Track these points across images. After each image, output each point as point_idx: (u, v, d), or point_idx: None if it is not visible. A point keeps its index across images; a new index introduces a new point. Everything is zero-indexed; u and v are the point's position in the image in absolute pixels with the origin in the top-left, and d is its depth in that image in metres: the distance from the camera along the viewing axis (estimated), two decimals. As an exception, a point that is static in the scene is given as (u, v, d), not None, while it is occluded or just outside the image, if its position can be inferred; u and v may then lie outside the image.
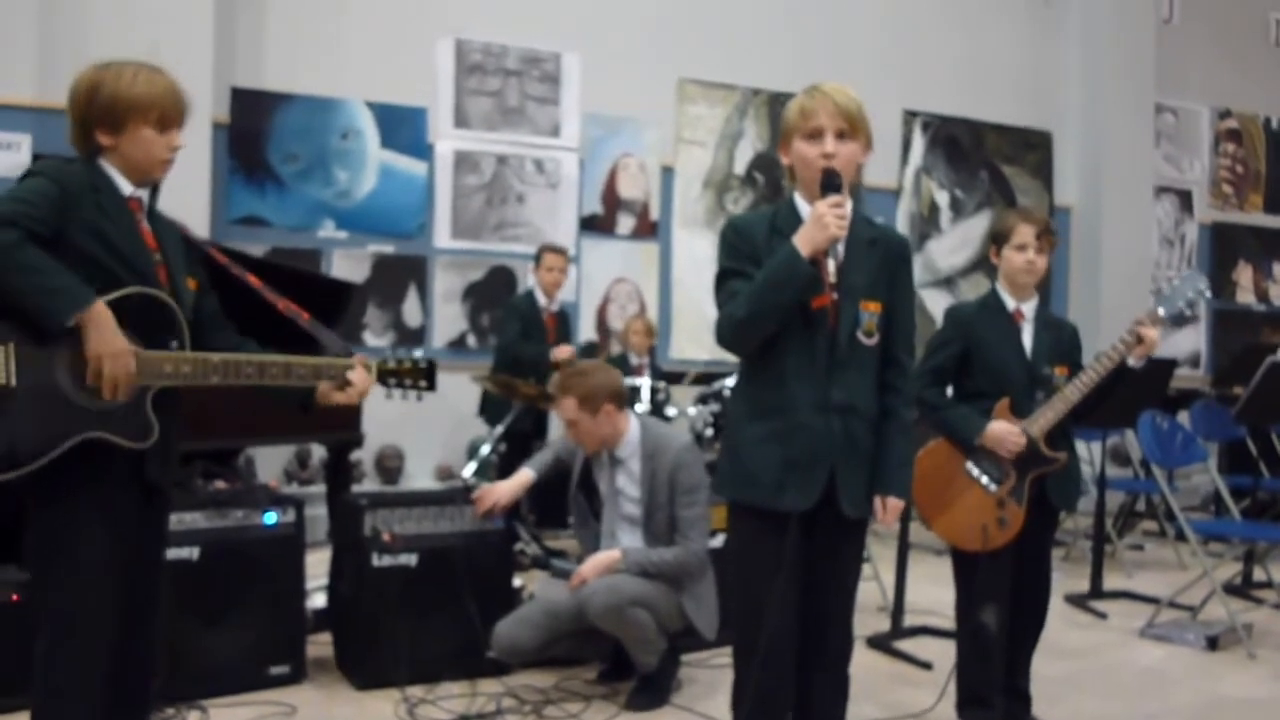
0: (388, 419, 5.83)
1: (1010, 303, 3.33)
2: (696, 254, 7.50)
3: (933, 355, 3.37)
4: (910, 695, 3.86)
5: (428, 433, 6.68)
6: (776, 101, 7.63)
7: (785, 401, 2.44)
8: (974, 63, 8.35)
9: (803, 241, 2.34)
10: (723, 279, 2.50)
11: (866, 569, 4.68)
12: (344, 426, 4.69)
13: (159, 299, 2.34)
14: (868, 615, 4.76)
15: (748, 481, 2.48)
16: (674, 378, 6.61)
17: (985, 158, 8.49)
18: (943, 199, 8.36)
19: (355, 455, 5.20)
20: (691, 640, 3.84)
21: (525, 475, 3.98)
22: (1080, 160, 8.65)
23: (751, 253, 2.46)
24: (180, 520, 3.52)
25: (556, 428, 6.10)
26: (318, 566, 4.14)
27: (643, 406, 5.80)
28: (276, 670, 3.74)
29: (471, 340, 7.02)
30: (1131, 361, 3.17)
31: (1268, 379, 5.08)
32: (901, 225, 8.05)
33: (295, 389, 2.59)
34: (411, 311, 6.88)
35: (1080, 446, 3.78)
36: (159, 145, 2.37)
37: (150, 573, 2.48)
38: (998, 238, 3.36)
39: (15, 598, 3.32)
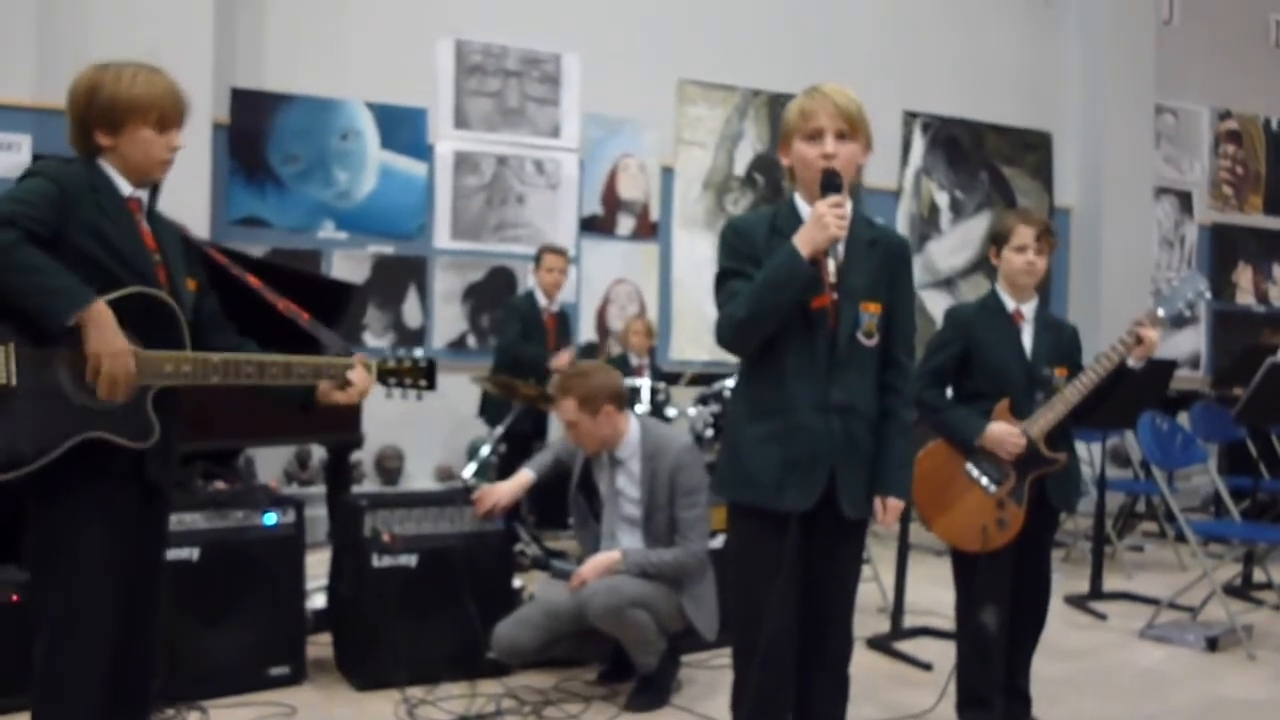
0: (387, 420, 5.83)
1: (1010, 304, 3.33)
2: (696, 255, 7.51)
3: (932, 356, 3.37)
4: (910, 696, 3.86)
5: (427, 433, 6.68)
6: (776, 102, 7.63)
7: (785, 402, 2.44)
8: (974, 64, 8.35)
9: (803, 242, 2.34)
10: (722, 279, 2.50)
11: (866, 570, 4.68)
12: (344, 427, 4.69)
13: (159, 299, 2.34)
14: (868, 616, 4.76)
15: (747, 482, 2.48)
16: (674, 378, 6.62)
17: (985, 158, 8.49)
18: (943, 200, 8.36)
19: (355, 456, 5.20)
20: (691, 641, 3.84)
21: (525, 476, 3.98)
22: (1080, 161, 8.65)
23: (751, 253, 2.46)
24: (180, 521, 3.52)
25: (556, 429, 6.10)
26: (318, 567, 4.14)
27: (643, 407, 5.80)
28: (276, 671, 3.74)
29: (471, 341, 7.02)
30: (1131, 362, 3.17)
31: (1267, 380, 5.08)
32: (901, 226, 8.05)
33: (295, 389, 2.59)
34: (411, 312, 6.88)
35: (1080, 447, 3.78)
36: (158, 146, 2.37)
37: (150, 573, 2.48)
38: (997, 239, 3.36)
39: (15, 598, 3.32)
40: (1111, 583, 5.60)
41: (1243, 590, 5.53)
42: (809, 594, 2.51)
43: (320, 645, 4.02)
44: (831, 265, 2.36)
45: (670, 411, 5.92)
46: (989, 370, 3.30)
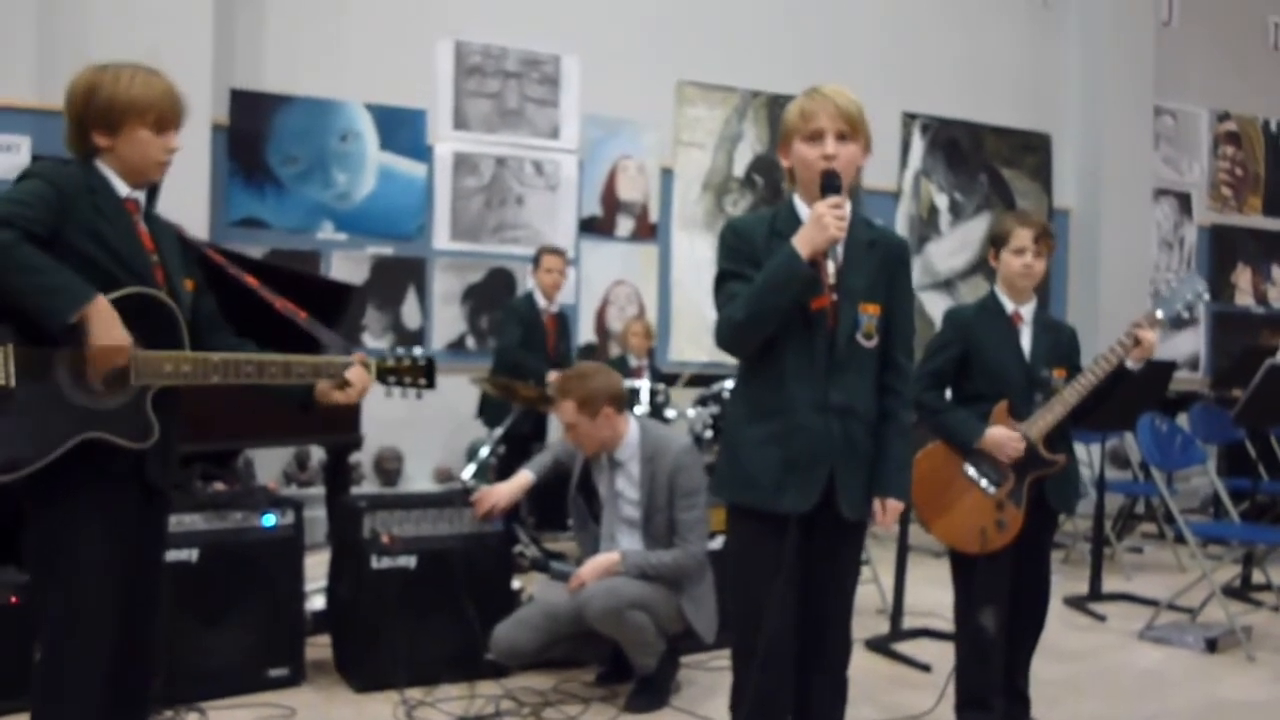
0: (387, 421, 5.84)
1: (1009, 305, 3.33)
2: (696, 256, 7.51)
3: (931, 358, 3.37)
4: (909, 697, 3.86)
5: (427, 435, 6.68)
6: (775, 104, 7.64)
7: (784, 403, 2.44)
8: (973, 65, 8.35)
9: (802, 243, 2.34)
10: (722, 281, 2.49)
11: (865, 571, 4.67)
12: (343, 428, 4.69)
13: (157, 299, 2.34)
14: (867, 617, 4.76)
15: (747, 483, 2.48)
16: (673, 379, 6.61)
17: (984, 160, 8.49)
18: (942, 201, 8.36)
19: (354, 457, 5.19)
20: (690, 642, 3.84)
21: (524, 477, 3.98)
22: (1079, 163, 8.66)
23: (751, 254, 2.46)
24: (179, 522, 3.52)
25: (556, 430, 6.10)
26: (317, 568, 4.13)
27: (642, 409, 5.80)
28: (275, 672, 3.73)
29: (471, 342, 7.02)
30: (1130, 364, 3.17)
31: (1267, 381, 5.08)
32: (900, 228, 8.05)
33: (295, 388, 2.59)
34: (410, 313, 6.88)
35: (1079, 449, 3.78)
36: (155, 147, 2.37)
37: (150, 573, 2.48)
38: (996, 241, 3.36)
39: (14, 599, 3.32)
40: (1111, 584, 5.60)
41: (1242, 592, 5.53)
42: (808, 595, 2.51)
43: (319, 646, 4.01)
44: (831, 267, 2.36)
45: (669, 413, 5.92)
46: (988, 372, 3.29)
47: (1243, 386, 5.50)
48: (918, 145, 8.25)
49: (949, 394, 3.38)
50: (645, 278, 7.47)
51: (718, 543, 4.02)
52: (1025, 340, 3.31)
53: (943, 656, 4.05)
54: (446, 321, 6.97)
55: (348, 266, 6.67)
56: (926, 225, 8.30)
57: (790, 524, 2.41)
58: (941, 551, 4.94)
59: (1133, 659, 4.53)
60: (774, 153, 6.85)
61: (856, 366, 2.47)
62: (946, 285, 8.31)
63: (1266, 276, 9.54)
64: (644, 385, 5.95)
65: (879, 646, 4.47)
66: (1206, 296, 3.33)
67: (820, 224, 2.32)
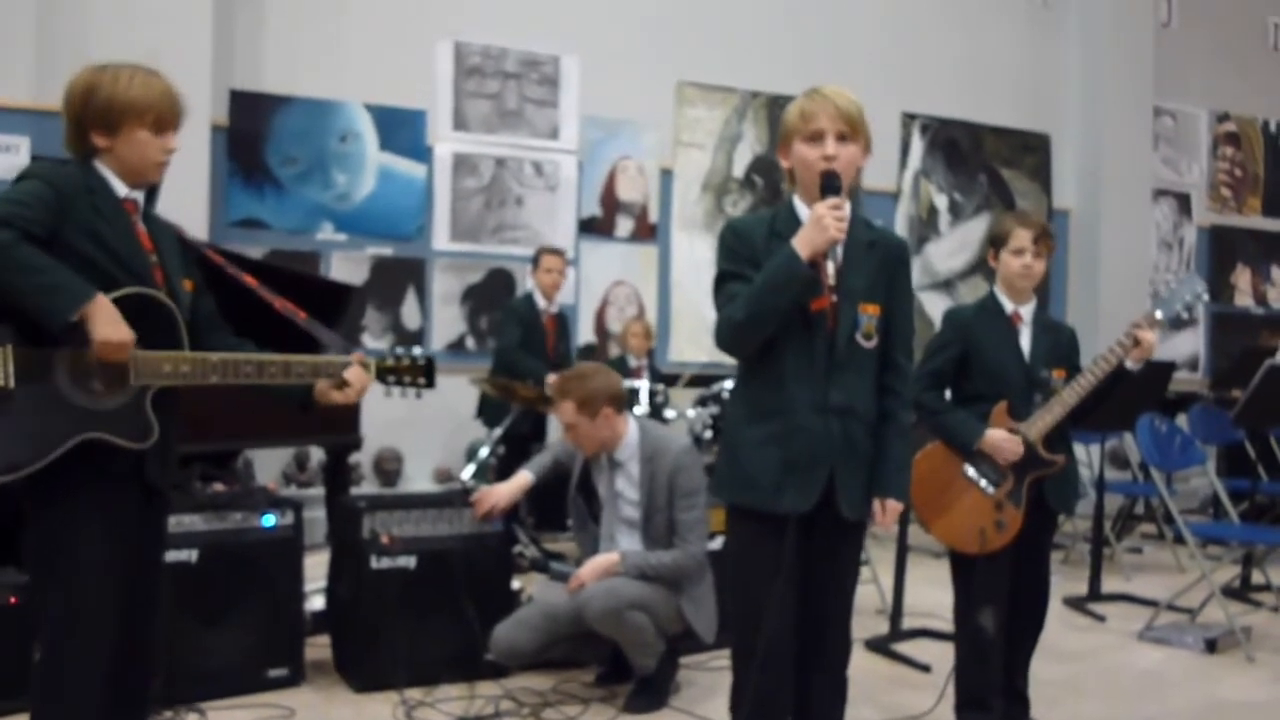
0: (386, 421, 5.85)
1: (1008, 306, 3.33)
2: (695, 256, 7.51)
3: (931, 358, 3.37)
4: (909, 698, 3.86)
5: (426, 435, 6.68)
6: (775, 104, 7.64)
7: (784, 404, 2.44)
8: (973, 66, 8.36)
9: (802, 244, 2.34)
10: (721, 281, 2.49)
11: (865, 572, 4.67)
12: (342, 429, 4.69)
13: (156, 299, 2.34)
14: (866, 618, 4.76)
15: (746, 484, 2.48)
16: (673, 380, 6.61)
17: (984, 160, 8.50)
18: (941, 202, 8.36)
19: (354, 458, 5.19)
20: (690, 643, 3.84)
21: (524, 478, 3.98)
22: (1079, 163, 8.66)
23: (750, 255, 2.46)
24: (179, 522, 3.52)
25: (555, 430, 6.10)
26: (316, 569, 4.13)
27: (641, 409, 5.80)
28: (275, 673, 3.73)
29: (470, 343, 7.02)
30: (1129, 364, 3.17)
31: (1266, 382, 5.08)
32: (900, 228, 8.05)
33: (294, 388, 2.58)
34: (410, 314, 6.88)
35: (1079, 449, 3.78)
36: (154, 148, 2.37)
37: (149, 573, 2.48)
38: (995, 241, 3.37)
39: (14, 600, 3.32)
40: (1110, 584, 5.60)
41: (1241, 592, 5.53)
42: (808, 596, 2.51)
43: (319, 647, 4.01)
44: (831, 268, 2.36)
45: (669, 413, 5.93)
46: (987, 372, 3.30)
47: (1242, 387, 5.50)
48: (917, 145, 8.26)
49: (948, 394, 3.38)
50: (645, 278, 7.47)
51: (717, 543, 4.02)
52: (1025, 341, 3.31)
53: (942, 657, 4.05)
54: (446, 322, 6.97)
55: (347, 267, 6.67)
56: (926, 226, 8.30)
57: (790, 524, 2.41)
58: (941, 552, 4.94)
59: (1132, 659, 4.53)
60: (774, 153, 6.85)
61: (856, 367, 2.47)
62: (946, 286, 8.32)
63: (1266, 277, 9.54)
64: (643, 386, 5.95)
65: (879, 647, 4.47)
66: (1206, 297, 3.33)
67: (820, 225, 2.32)
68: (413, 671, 3.72)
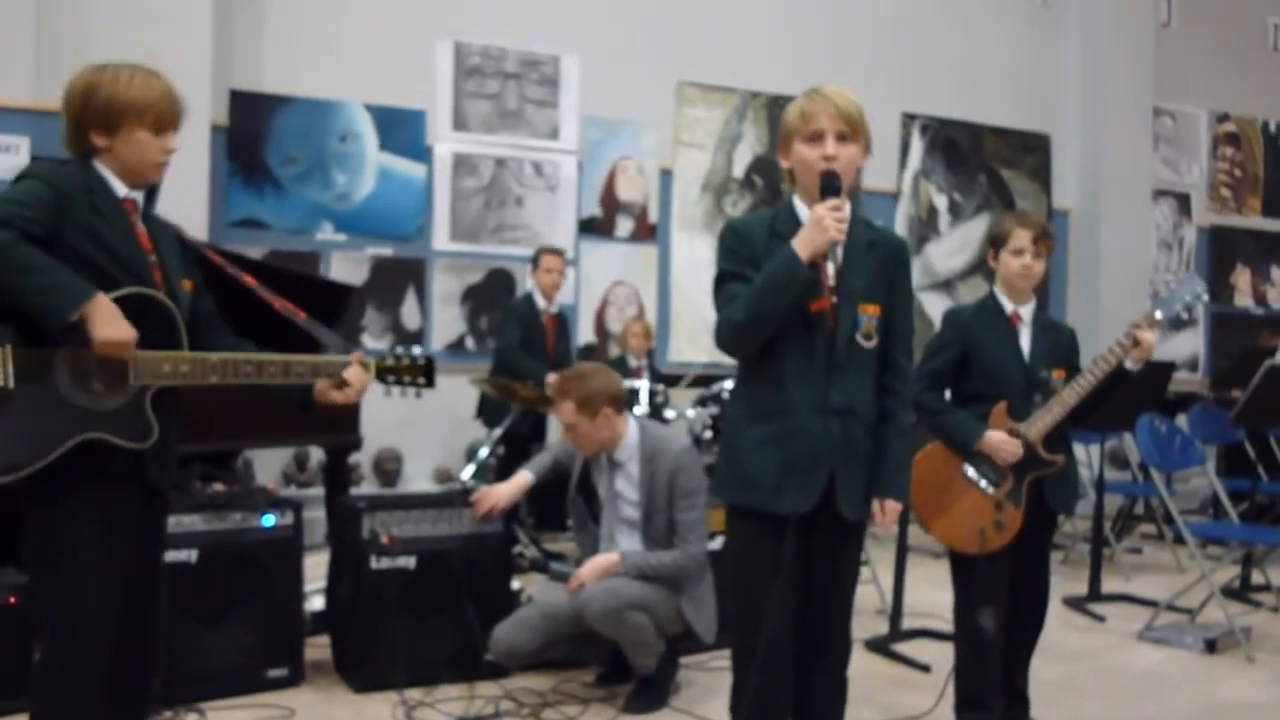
0: (386, 422, 5.85)
1: (1008, 306, 3.33)
2: (695, 257, 7.51)
3: (931, 359, 3.37)
4: (909, 698, 3.86)
5: (426, 435, 6.69)
6: (775, 104, 7.64)
7: (784, 404, 2.44)
8: (973, 66, 8.36)
9: (802, 245, 2.34)
10: (721, 282, 2.49)
11: (865, 572, 4.67)
12: (342, 429, 4.69)
13: (156, 299, 2.34)
14: (866, 618, 4.76)
15: (746, 484, 2.48)
16: (672, 380, 6.61)
17: (984, 161, 8.50)
18: (941, 202, 8.36)
19: (353, 458, 5.19)
20: (690, 643, 3.84)
21: (524, 478, 3.98)
22: (1079, 163, 8.66)
23: (750, 255, 2.46)
24: (179, 523, 3.52)
25: (555, 430, 6.10)
26: (316, 569, 4.13)
27: (641, 409, 5.80)
28: (274, 673, 3.73)
29: (470, 343, 7.02)
30: (1129, 365, 3.17)
31: (1266, 382, 5.08)
32: (900, 228, 8.04)
33: (294, 388, 2.58)
34: (410, 314, 6.88)
35: (1078, 449, 3.78)
36: (153, 148, 2.37)
37: (149, 573, 2.48)
38: (995, 242, 3.37)
39: (14, 600, 3.32)
40: (1110, 585, 5.60)
41: (1241, 592, 5.53)
42: (808, 596, 2.51)
43: (318, 647, 4.01)
44: (830, 268, 2.36)
45: (669, 413, 5.92)
46: (987, 372, 3.30)
47: (1242, 387, 5.50)
48: (917, 146, 8.26)
49: (948, 395, 3.38)
50: (645, 278, 7.47)
51: (717, 543, 4.02)
52: (1024, 341, 3.31)
53: (942, 657, 4.05)
54: (446, 322, 6.97)
55: (347, 267, 6.67)
56: (926, 226, 8.30)
57: (790, 524, 2.41)
58: (941, 552, 4.94)
59: (1132, 660, 4.53)
60: (774, 154, 6.85)
61: (856, 367, 2.47)
62: (946, 286, 8.32)
63: (1265, 277, 9.55)
64: (643, 386, 5.95)
65: (878, 647, 4.47)
66: (1205, 297, 3.33)
67: (820, 226, 2.32)
68: (412, 672, 3.71)
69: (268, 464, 6.40)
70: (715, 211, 7.63)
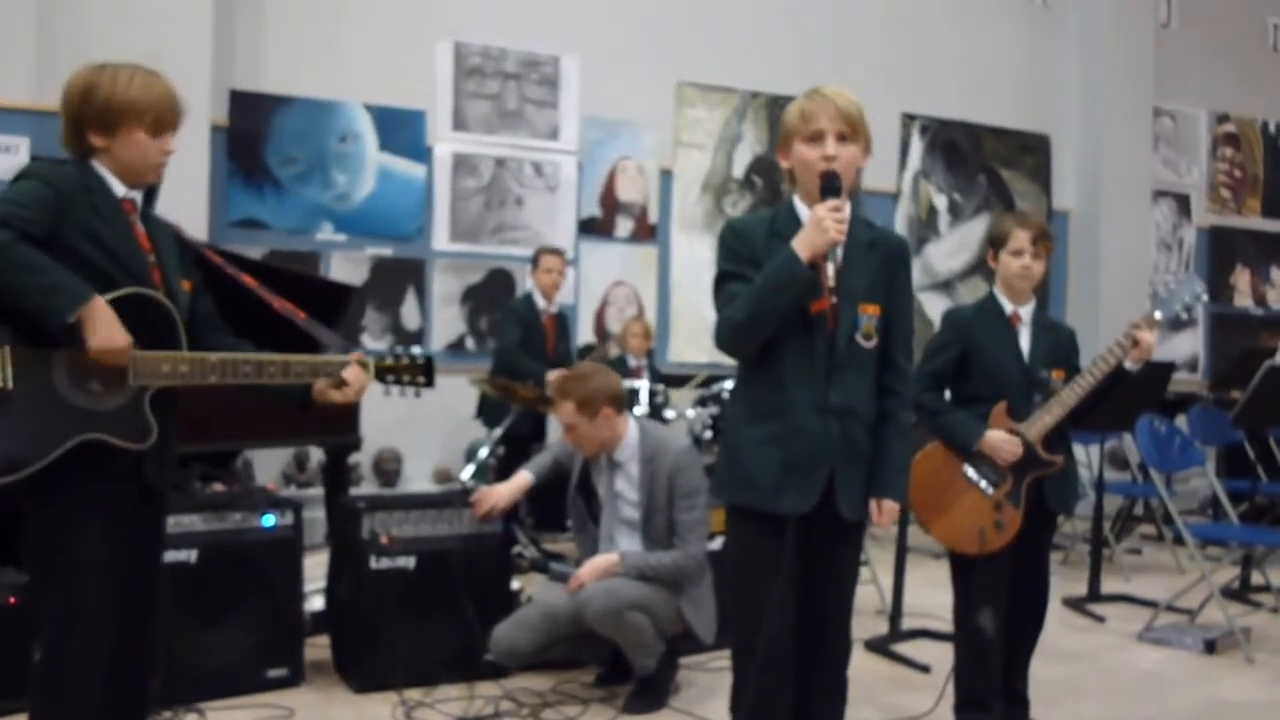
0: (386, 422, 5.85)
1: (1008, 306, 3.33)
2: (695, 257, 7.51)
3: (930, 359, 3.37)
4: (908, 698, 3.86)
5: (426, 435, 6.68)
6: (775, 105, 7.64)
7: (784, 404, 2.44)
8: (973, 66, 8.36)
9: (802, 245, 2.34)
10: (721, 282, 2.49)
11: (865, 572, 4.67)
12: (342, 429, 4.69)
13: (155, 300, 2.34)
14: (866, 618, 4.76)
15: (746, 484, 2.48)
16: (672, 380, 6.61)
17: (983, 161, 8.50)
18: (941, 202, 8.36)
19: (353, 458, 5.19)
20: (690, 643, 3.84)
21: (523, 478, 3.98)
22: (1078, 164, 8.67)
23: (750, 256, 2.46)
24: (178, 523, 3.52)
25: (555, 431, 6.10)
26: (316, 569, 4.13)
27: (641, 409, 5.80)
28: (274, 673, 3.73)
29: (470, 343, 7.02)
30: (1128, 365, 3.18)
31: (1265, 383, 5.08)
32: (899, 229, 8.04)
33: (293, 388, 2.58)
34: (410, 314, 6.88)
35: (1078, 450, 3.78)
36: (152, 149, 2.36)
37: (148, 574, 2.48)
38: (994, 242, 3.37)
39: (14, 600, 3.31)
40: (1110, 585, 5.60)
41: (1241, 593, 5.53)
42: (808, 596, 2.51)
43: (318, 647, 4.01)
44: (830, 269, 2.36)
45: (669, 413, 5.92)
46: (987, 373, 3.30)
47: (1241, 388, 5.50)
48: (917, 146, 8.26)
49: (948, 395, 3.38)
50: (644, 279, 7.47)
51: (717, 544, 4.02)
52: (1024, 341, 3.31)
53: (942, 657, 4.05)
54: (446, 322, 6.97)
55: (347, 267, 6.67)
56: (925, 226, 8.30)
57: (789, 525, 2.41)
58: (940, 552, 4.95)
59: (1132, 660, 4.53)
60: (773, 154, 6.83)
61: (856, 367, 2.47)
62: (945, 286, 8.32)
63: (1265, 278, 9.55)
64: (643, 386, 5.95)
65: (878, 647, 4.47)
66: (1205, 298, 3.33)
67: (820, 227, 2.32)
68: (412, 672, 3.71)
69: (268, 464, 6.39)
70: (715, 212, 7.63)
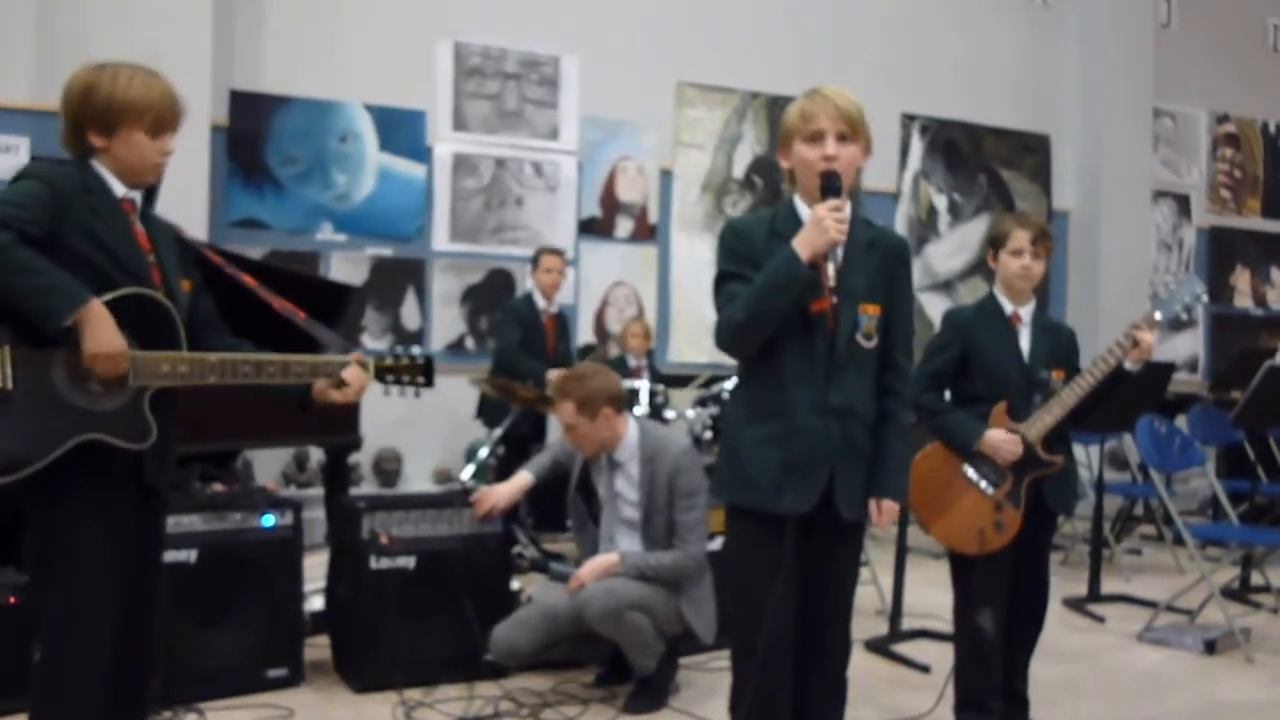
0: (386, 422, 5.85)
1: (1008, 307, 3.33)
2: (695, 257, 7.51)
3: (930, 359, 3.37)
4: (908, 698, 3.86)
5: (426, 435, 6.68)
6: (775, 105, 7.64)
7: (784, 404, 2.44)
8: (973, 66, 8.36)
9: (802, 245, 2.34)
10: (721, 282, 2.49)
11: (865, 572, 4.66)
12: (342, 429, 4.69)
13: (154, 300, 2.34)
14: (866, 618, 4.76)
15: (746, 484, 2.48)
16: (672, 380, 6.61)
17: (983, 161, 8.50)
18: (941, 203, 8.36)
19: (353, 458, 5.19)
20: (690, 643, 3.84)
21: (523, 478, 3.98)
22: (1078, 164, 8.67)
23: (750, 256, 2.46)
24: (178, 523, 3.52)
25: (555, 431, 6.09)
26: (316, 569, 4.13)
27: (641, 409, 5.80)
28: (274, 673, 3.73)
29: (470, 343, 7.02)
30: (1128, 365, 3.17)
31: (1265, 383, 5.08)
32: (900, 229, 8.03)
33: (293, 388, 2.58)
34: (410, 314, 6.88)
35: (1078, 450, 3.79)
36: (151, 150, 2.36)
37: (148, 574, 2.48)
38: (994, 242, 3.37)
39: (14, 600, 3.31)
40: (1109, 585, 5.60)
41: (1241, 593, 5.53)
42: (807, 596, 2.51)
43: (318, 647, 4.01)
44: (831, 269, 2.36)
45: (669, 413, 5.92)
46: (987, 373, 3.30)
47: (1241, 388, 5.50)
48: (917, 146, 8.26)
49: (948, 395, 3.38)
50: (644, 279, 7.47)
51: (717, 544, 4.02)
52: (1024, 341, 3.31)
53: (942, 658, 4.05)
54: (446, 322, 6.97)
55: (347, 267, 6.67)
56: (925, 226, 8.30)
57: (789, 525, 2.41)
58: (940, 553, 4.95)
59: (1131, 660, 4.53)
60: (774, 154, 6.85)
61: (856, 367, 2.47)
62: (945, 286, 8.32)
63: (1265, 278, 9.55)
64: (643, 386, 5.95)
65: (878, 647, 4.47)
66: (1205, 298, 3.34)
67: (820, 227, 2.32)
68: (412, 672, 3.71)
69: (267, 464, 6.39)
70: (715, 212, 7.64)
